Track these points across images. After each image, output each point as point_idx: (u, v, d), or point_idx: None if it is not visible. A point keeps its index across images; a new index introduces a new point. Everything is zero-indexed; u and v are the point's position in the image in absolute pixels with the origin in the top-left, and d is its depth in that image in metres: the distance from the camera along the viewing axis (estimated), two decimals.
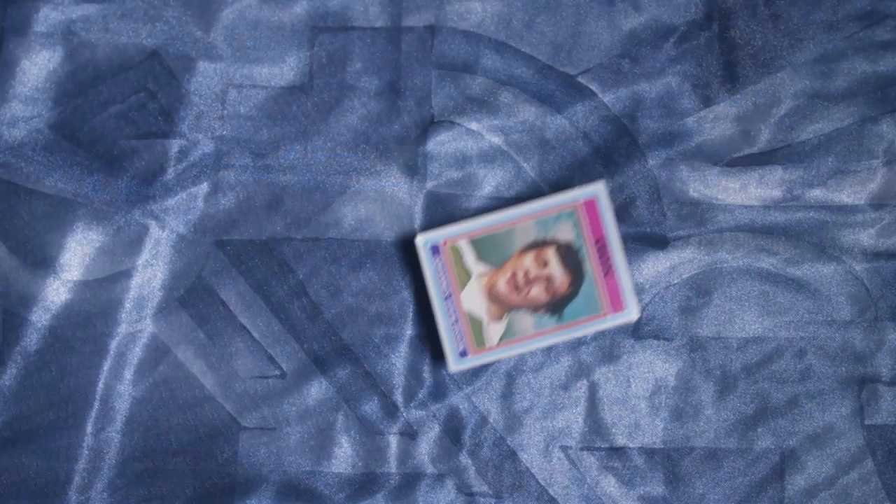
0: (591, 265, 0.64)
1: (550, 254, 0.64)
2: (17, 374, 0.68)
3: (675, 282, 0.69)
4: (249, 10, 0.70)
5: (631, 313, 0.64)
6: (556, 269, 0.64)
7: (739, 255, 0.69)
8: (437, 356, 0.69)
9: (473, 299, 0.64)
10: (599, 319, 0.64)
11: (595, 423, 0.69)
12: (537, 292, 0.64)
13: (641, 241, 0.69)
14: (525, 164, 0.70)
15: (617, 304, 0.64)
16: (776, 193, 0.69)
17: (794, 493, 0.68)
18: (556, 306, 0.64)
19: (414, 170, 0.70)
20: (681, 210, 0.69)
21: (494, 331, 0.64)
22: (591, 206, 0.64)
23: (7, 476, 0.68)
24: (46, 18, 0.70)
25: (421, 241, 0.64)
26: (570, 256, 0.64)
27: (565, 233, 0.64)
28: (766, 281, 0.69)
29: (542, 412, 0.69)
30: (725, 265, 0.69)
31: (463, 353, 0.64)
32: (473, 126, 0.70)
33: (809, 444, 0.68)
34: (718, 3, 0.70)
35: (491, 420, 0.69)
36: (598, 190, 0.64)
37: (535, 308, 0.64)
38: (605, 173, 0.69)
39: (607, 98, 0.70)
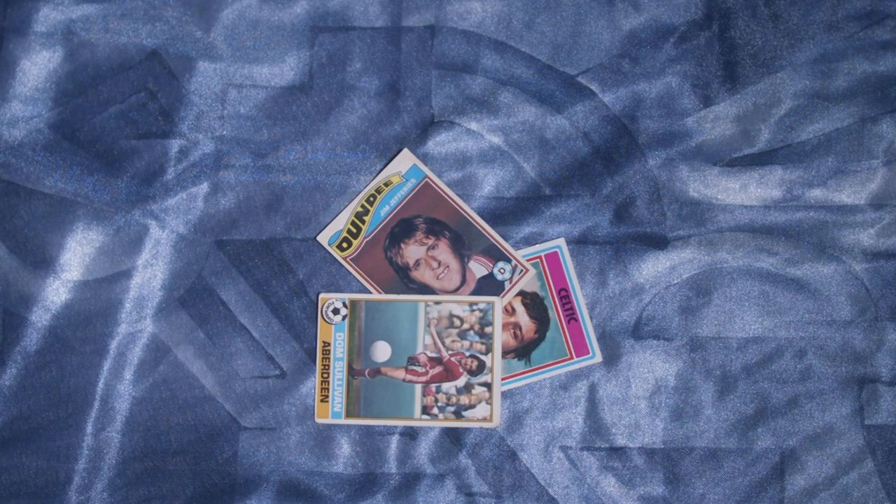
0: (555, 313, 0.68)
1: (516, 303, 0.69)
2: (17, 374, 0.68)
3: (675, 282, 0.69)
4: (249, 10, 0.71)
5: (595, 357, 0.68)
6: (523, 317, 0.69)
7: (739, 255, 0.69)
8: None
9: None
10: (565, 363, 0.68)
11: (595, 423, 0.69)
12: (506, 338, 0.68)
13: (641, 241, 0.69)
14: (525, 164, 0.70)
15: (581, 349, 0.68)
16: (776, 193, 0.69)
17: (794, 493, 0.68)
18: (524, 351, 0.68)
19: None
20: (681, 210, 0.70)
21: None
22: (553, 258, 0.68)
23: (7, 476, 0.68)
24: (46, 18, 0.70)
25: None
26: (535, 305, 0.68)
27: (530, 283, 0.68)
28: (766, 281, 0.69)
29: (542, 412, 0.69)
30: (725, 265, 0.69)
31: None
32: (473, 126, 0.70)
33: (809, 444, 0.68)
34: (718, 3, 0.70)
35: None
36: (559, 243, 0.68)
37: (504, 352, 0.68)
38: (605, 173, 0.69)
39: (607, 98, 0.70)
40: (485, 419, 0.67)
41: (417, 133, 0.70)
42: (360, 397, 0.67)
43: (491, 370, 0.67)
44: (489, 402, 0.67)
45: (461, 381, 0.67)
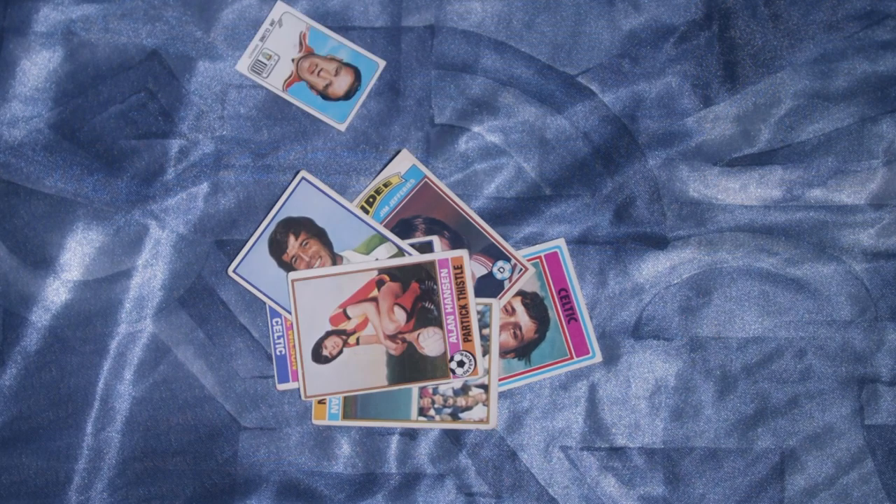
0: (555, 313, 0.68)
1: (516, 303, 0.68)
2: (17, 374, 0.68)
3: (675, 282, 0.69)
4: (249, 10, 0.71)
5: (595, 357, 0.68)
6: (523, 317, 0.68)
7: (739, 255, 0.69)
8: None
9: None
10: (565, 363, 0.68)
11: (595, 423, 0.69)
12: (506, 338, 0.68)
13: (641, 241, 0.69)
14: (525, 164, 0.70)
15: (581, 349, 0.68)
16: (776, 193, 0.69)
17: (794, 493, 0.68)
18: (524, 351, 0.68)
19: None
20: (681, 210, 0.69)
21: None
22: (553, 258, 0.68)
23: (7, 476, 0.68)
24: (46, 18, 0.70)
25: None
26: (535, 305, 0.68)
27: (530, 283, 0.68)
28: (766, 281, 0.69)
29: (542, 412, 0.69)
30: (725, 265, 0.69)
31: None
32: (473, 126, 0.70)
33: (809, 444, 0.68)
34: (718, 3, 0.70)
35: None
36: (559, 243, 0.68)
37: (504, 352, 0.68)
38: (605, 173, 0.69)
39: (607, 98, 0.70)
40: (481, 421, 0.67)
41: (417, 133, 0.70)
42: (357, 399, 0.67)
43: (488, 372, 0.67)
44: (486, 403, 0.67)
45: (458, 383, 0.67)
